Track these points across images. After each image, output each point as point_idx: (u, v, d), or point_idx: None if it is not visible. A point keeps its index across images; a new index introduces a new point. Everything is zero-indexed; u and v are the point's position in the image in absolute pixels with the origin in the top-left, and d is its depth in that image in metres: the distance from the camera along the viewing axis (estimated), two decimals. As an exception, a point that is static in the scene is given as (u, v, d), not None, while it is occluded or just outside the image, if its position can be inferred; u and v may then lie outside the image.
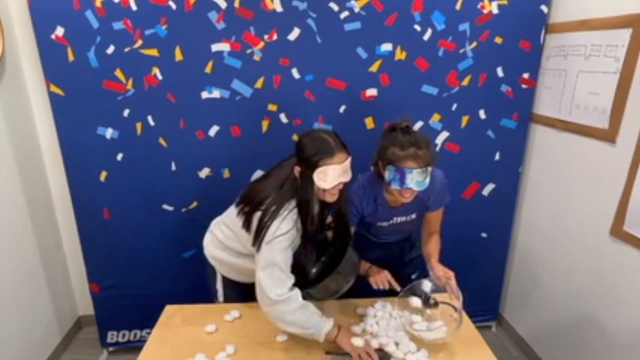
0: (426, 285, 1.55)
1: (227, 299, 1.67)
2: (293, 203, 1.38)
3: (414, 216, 1.65)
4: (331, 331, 1.35)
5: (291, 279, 1.35)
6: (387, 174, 1.41)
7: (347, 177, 1.38)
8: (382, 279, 1.53)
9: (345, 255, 1.43)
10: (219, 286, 1.67)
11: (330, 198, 1.40)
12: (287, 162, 1.43)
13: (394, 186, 1.40)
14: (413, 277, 1.86)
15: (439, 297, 1.55)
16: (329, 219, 1.56)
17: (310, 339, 1.36)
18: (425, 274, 1.64)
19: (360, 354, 1.32)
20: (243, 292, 1.61)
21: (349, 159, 1.36)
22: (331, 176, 1.32)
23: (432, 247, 1.66)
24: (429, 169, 1.39)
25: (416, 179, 1.37)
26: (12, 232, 1.98)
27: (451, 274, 1.51)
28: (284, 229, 1.33)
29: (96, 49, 1.85)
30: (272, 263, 1.32)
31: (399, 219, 1.64)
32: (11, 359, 1.95)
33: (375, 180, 1.55)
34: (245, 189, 1.52)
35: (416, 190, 1.41)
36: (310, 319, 1.34)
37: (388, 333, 1.45)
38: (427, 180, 1.40)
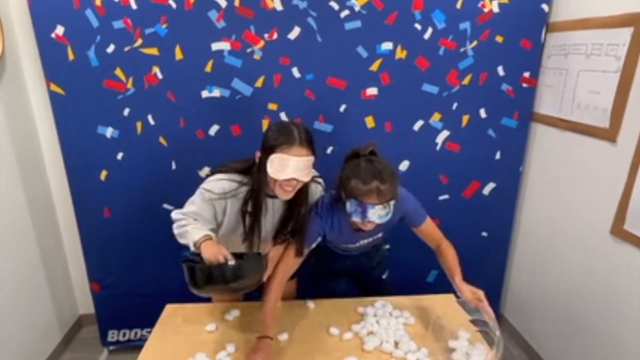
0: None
1: None
2: (238, 177, 1.40)
3: (380, 235, 1.60)
4: (198, 240, 1.32)
5: (196, 219, 1.40)
6: (349, 206, 1.36)
7: (303, 176, 1.31)
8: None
9: (263, 255, 1.40)
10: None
11: (283, 194, 1.34)
12: None
13: (356, 218, 1.36)
14: (384, 277, 1.86)
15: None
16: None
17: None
18: (393, 271, 1.62)
19: (211, 258, 1.24)
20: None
21: (311, 158, 1.32)
22: (283, 166, 1.27)
23: (450, 263, 1.50)
24: (392, 202, 1.35)
25: (378, 213, 1.33)
26: (12, 231, 1.98)
27: (480, 293, 1.38)
28: (209, 186, 1.39)
29: (96, 48, 1.85)
30: (191, 201, 1.43)
31: (365, 241, 1.60)
32: (12, 358, 1.95)
33: (338, 204, 1.47)
34: None
35: (378, 222, 1.37)
36: (186, 234, 1.38)
37: (388, 332, 1.45)
38: (390, 213, 1.36)
